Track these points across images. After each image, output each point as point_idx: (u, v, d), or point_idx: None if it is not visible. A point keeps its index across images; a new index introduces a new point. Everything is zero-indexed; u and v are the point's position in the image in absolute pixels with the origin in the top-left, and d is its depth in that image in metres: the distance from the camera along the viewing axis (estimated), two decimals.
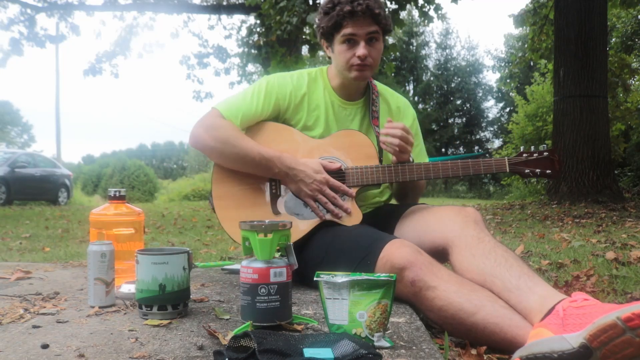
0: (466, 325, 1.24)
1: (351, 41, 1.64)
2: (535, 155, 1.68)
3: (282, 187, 1.67)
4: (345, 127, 1.75)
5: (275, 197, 1.66)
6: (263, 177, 1.67)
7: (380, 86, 1.87)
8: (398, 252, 1.37)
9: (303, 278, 1.56)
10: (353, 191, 1.64)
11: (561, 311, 1.09)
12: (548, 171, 1.68)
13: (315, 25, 1.75)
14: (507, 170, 1.66)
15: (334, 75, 1.77)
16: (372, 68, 1.69)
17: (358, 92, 1.80)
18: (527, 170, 1.68)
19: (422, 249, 1.41)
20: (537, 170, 1.67)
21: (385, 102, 1.86)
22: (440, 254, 1.47)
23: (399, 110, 1.88)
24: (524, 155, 1.69)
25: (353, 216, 1.64)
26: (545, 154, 1.68)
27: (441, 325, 1.30)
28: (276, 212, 1.65)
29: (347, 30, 1.62)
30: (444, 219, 1.51)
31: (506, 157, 1.68)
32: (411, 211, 1.68)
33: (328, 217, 1.63)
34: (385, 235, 1.47)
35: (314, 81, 1.78)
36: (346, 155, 1.69)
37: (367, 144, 1.70)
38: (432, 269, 1.32)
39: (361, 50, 1.63)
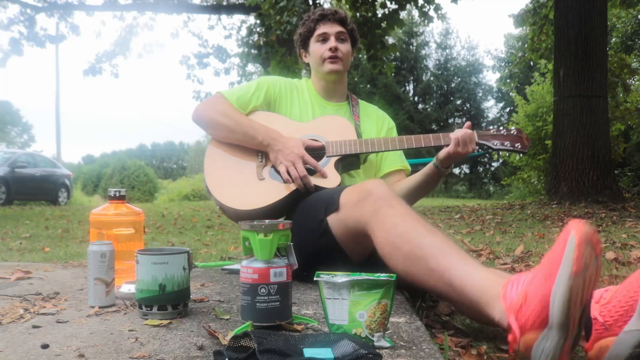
0: (411, 244, 1.22)
1: (324, 39, 1.93)
2: (503, 131, 1.78)
3: (267, 157, 1.83)
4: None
5: (261, 165, 1.82)
6: (250, 151, 1.83)
7: (361, 101, 2.09)
8: (366, 181, 1.47)
9: (296, 248, 1.56)
10: (325, 171, 1.75)
11: (600, 317, 1.04)
12: (517, 144, 1.75)
13: (295, 39, 2.06)
14: (477, 139, 1.75)
15: (315, 81, 2.02)
16: (344, 63, 1.93)
17: (338, 95, 2.02)
18: (495, 142, 1.76)
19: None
20: (506, 143, 1.76)
21: (365, 111, 2.05)
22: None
23: (377, 117, 2.06)
24: (492, 130, 1.78)
25: (331, 179, 1.75)
26: (512, 132, 1.77)
27: (383, 247, 1.30)
28: (260, 178, 1.79)
29: (319, 31, 1.93)
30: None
31: (475, 131, 1.76)
32: None
33: (293, 185, 1.75)
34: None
35: (301, 85, 2.02)
36: (327, 134, 1.85)
37: (346, 125, 1.87)
38: (395, 195, 1.38)
39: (332, 43, 1.90)
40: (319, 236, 1.54)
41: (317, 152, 1.80)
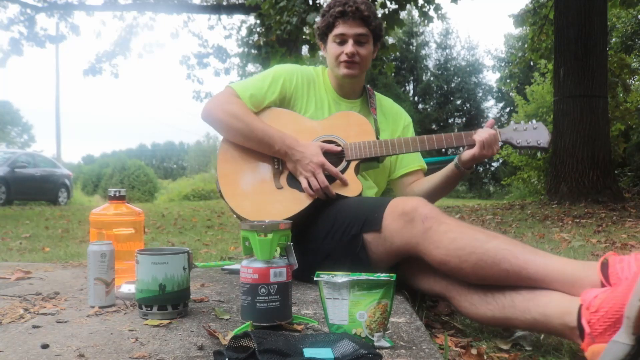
0: (477, 253, 1.24)
1: (341, 41, 1.79)
2: (524, 126, 1.73)
3: (284, 163, 1.75)
4: None
5: (278, 172, 1.74)
6: (266, 155, 1.74)
7: (377, 93, 1.99)
8: (407, 200, 1.44)
9: (313, 253, 1.59)
10: (346, 179, 1.69)
11: (587, 327, 1.06)
12: (539, 141, 1.71)
13: (314, 27, 1.94)
14: (500, 139, 1.71)
15: (330, 76, 1.91)
16: (361, 67, 1.82)
17: (354, 92, 1.91)
18: (518, 140, 1.72)
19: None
20: (529, 140, 1.71)
21: (381, 107, 1.96)
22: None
23: (394, 115, 1.98)
24: (513, 126, 1.74)
25: (353, 187, 1.69)
26: (533, 125, 1.72)
27: (446, 262, 1.30)
28: (279, 187, 1.72)
29: (337, 30, 1.78)
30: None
31: (497, 129, 1.72)
32: None
33: (316, 195, 1.68)
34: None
35: (317, 77, 1.91)
36: (344, 133, 1.76)
37: (363, 122, 1.78)
38: (441, 211, 1.37)
39: (349, 47, 1.77)
40: (356, 250, 1.52)
41: (336, 156, 1.74)
